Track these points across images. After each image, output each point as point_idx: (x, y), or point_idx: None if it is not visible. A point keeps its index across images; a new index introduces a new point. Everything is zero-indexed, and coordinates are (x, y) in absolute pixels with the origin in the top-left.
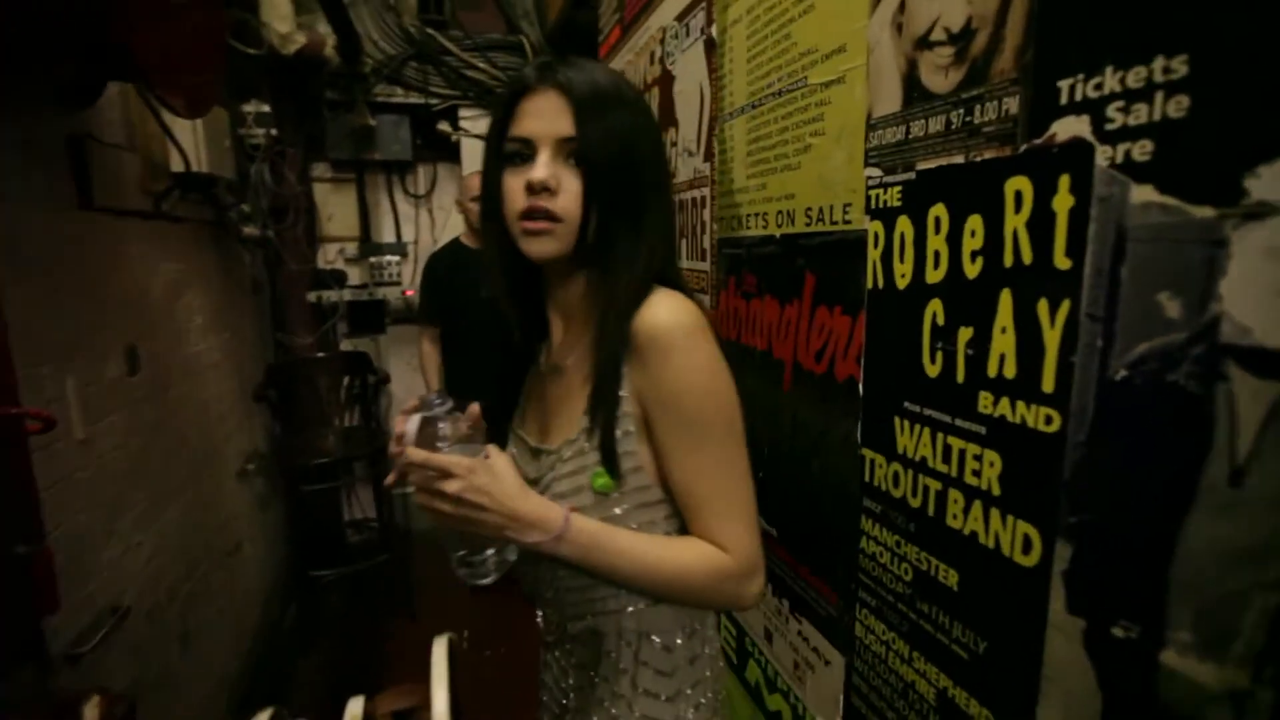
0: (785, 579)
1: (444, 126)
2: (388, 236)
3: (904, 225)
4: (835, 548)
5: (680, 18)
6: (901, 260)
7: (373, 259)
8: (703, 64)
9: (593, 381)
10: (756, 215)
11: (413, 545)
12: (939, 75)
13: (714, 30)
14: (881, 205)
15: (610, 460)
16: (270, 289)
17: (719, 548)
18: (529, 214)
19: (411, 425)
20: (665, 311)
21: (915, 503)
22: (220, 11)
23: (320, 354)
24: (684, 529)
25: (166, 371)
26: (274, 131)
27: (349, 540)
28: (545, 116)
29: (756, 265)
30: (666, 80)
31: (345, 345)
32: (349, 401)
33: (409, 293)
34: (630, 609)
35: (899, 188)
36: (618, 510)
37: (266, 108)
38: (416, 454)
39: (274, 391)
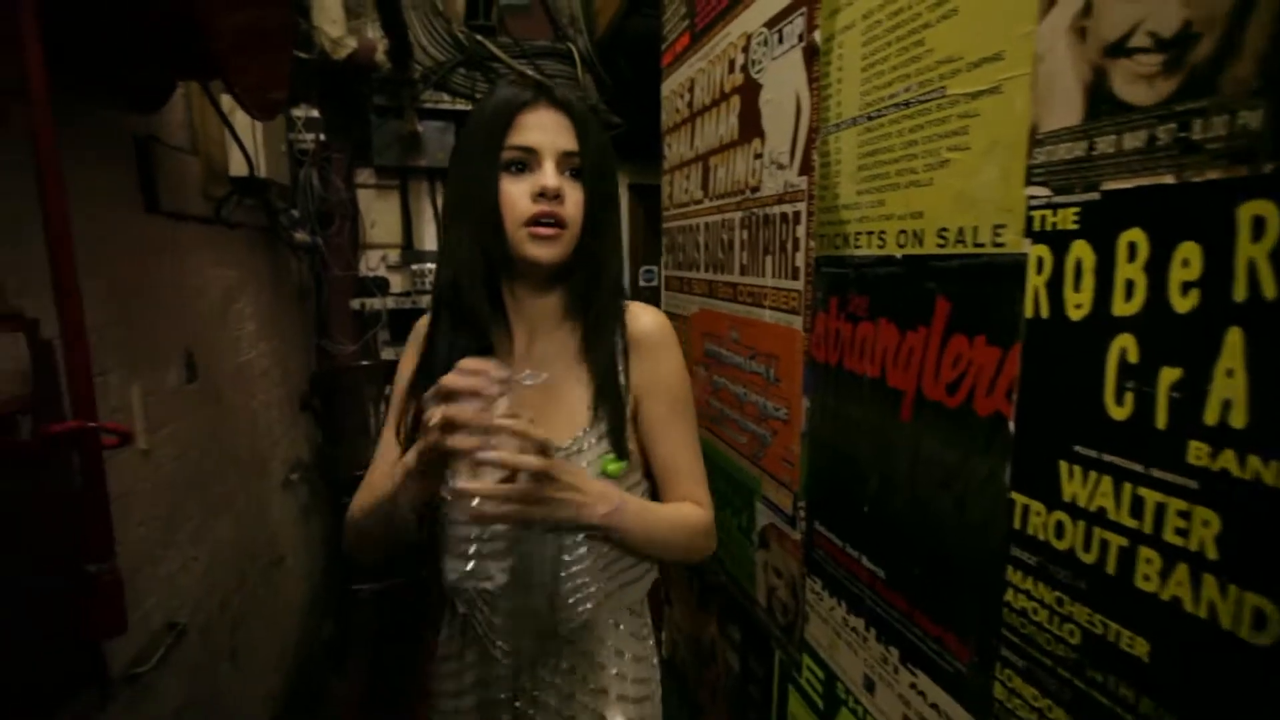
0: (895, 624)
1: None
2: (429, 244)
3: (1081, 250)
4: (968, 597)
5: (771, 24)
6: (1077, 289)
7: (414, 266)
8: (800, 72)
9: (596, 380)
10: (870, 234)
11: None
12: (1140, 86)
13: (816, 36)
14: (1049, 228)
15: (621, 446)
16: (315, 295)
17: (698, 505)
18: (539, 220)
19: (501, 403)
20: (651, 316)
21: (1088, 558)
22: (288, 10)
23: (364, 362)
24: None
25: (220, 379)
26: (322, 137)
27: None
28: (549, 130)
29: (869, 287)
30: (750, 89)
31: (386, 353)
32: (388, 408)
33: None
34: (620, 587)
35: (1076, 209)
36: None
37: (315, 112)
38: (516, 424)
39: (318, 400)
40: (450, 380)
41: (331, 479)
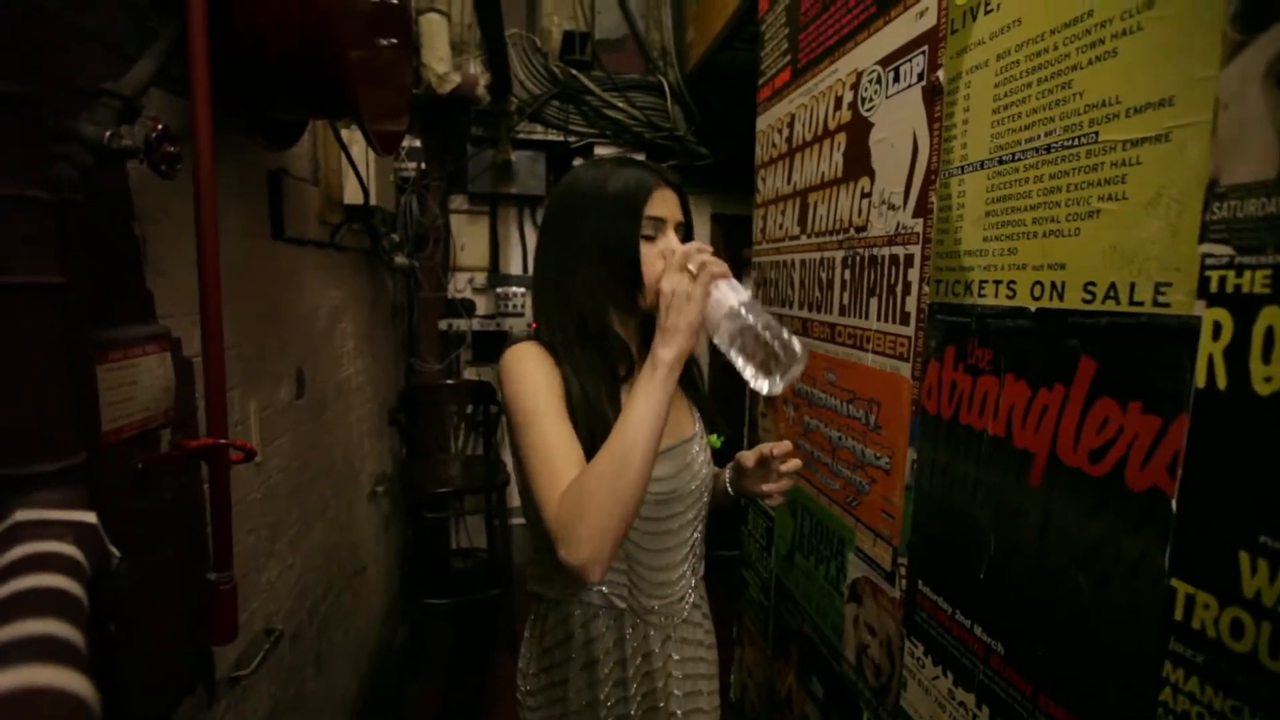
0: (1015, 706)
1: (580, 163)
2: (515, 268)
3: (1274, 317)
4: (1110, 687)
5: (886, 62)
6: (1266, 360)
7: (499, 290)
8: (919, 112)
9: (691, 383)
10: (998, 283)
11: (514, 580)
12: None
13: (940, 76)
14: (1230, 290)
15: (720, 427)
16: (406, 315)
17: None
18: None
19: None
20: None
21: (1277, 666)
22: (410, 53)
23: (448, 381)
24: None
25: (324, 394)
26: (423, 165)
27: (454, 567)
28: (670, 206)
29: (994, 338)
30: (859, 127)
31: (468, 373)
32: (470, 429)
33: (534, 325)
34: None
35: (1267, 271)
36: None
37: (418, 143)
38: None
39: (403, 415)
40: (700, 253)
41: (410, 493)
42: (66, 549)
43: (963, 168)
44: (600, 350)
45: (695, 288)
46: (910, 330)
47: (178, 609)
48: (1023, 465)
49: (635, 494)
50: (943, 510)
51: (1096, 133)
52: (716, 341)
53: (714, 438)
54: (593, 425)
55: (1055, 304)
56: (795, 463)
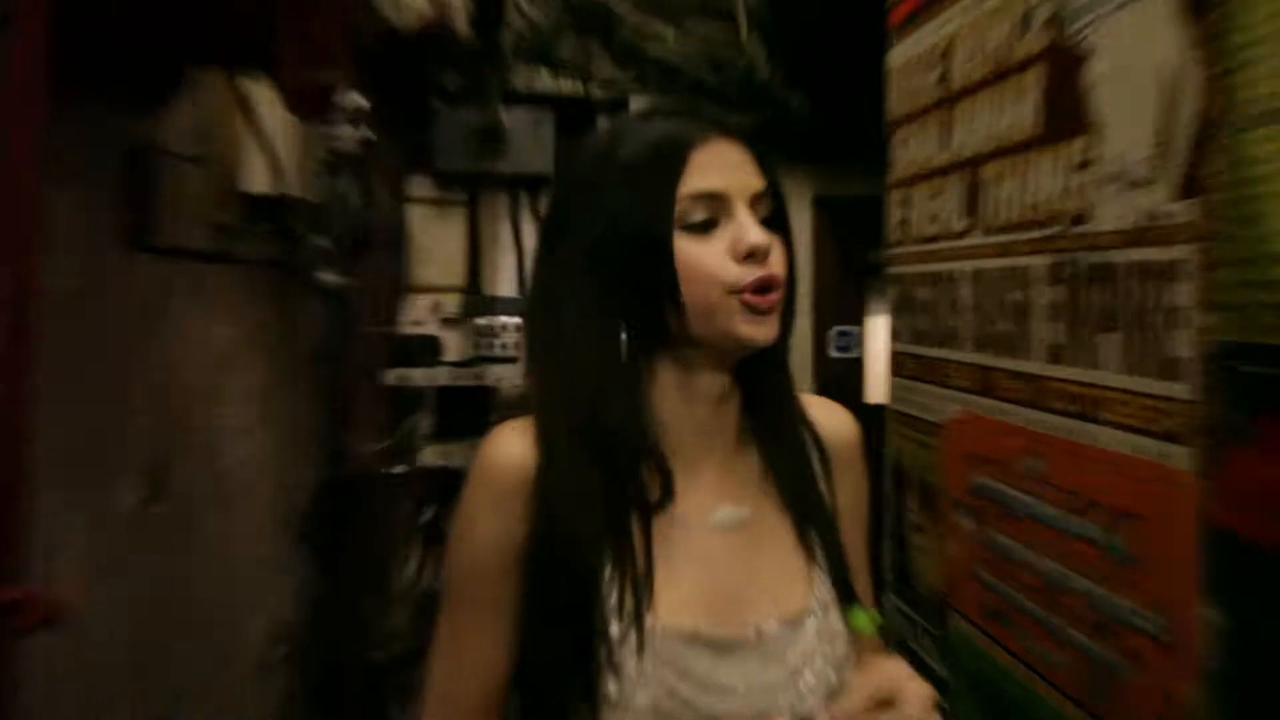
0: None
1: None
2: (506, 288)
3: None
4: None
5: None
6: None
7: (481, 321)
8: (1173, 30)
9: (805, 509)
10: None
11: None
12: None
13: None
14: None
15: (854, 594)
16: (334, 362)
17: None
18: (761, 287)
19: None
20: (841, 413)
21: None
22: None
23: (396, 467)
24: None
25: (191, 496)
26: (369, 133)
27: None
28: (731, 169)
29: None
30: (1063, 61)
31: (430, 455)
32: (428, 543)
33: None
34: None
35: None
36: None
37: (363, 101)
38: None
39: (321, 526)
40: None
41: (329, 659)
42: None
43: (1266, 115)
44: (606, 448)
45: None
46: (1183, 389)
47: None
48: None
49: None
50: None
51: None
52: None
53: (860, 616)
54: (562, 581)
55: None
56: None
